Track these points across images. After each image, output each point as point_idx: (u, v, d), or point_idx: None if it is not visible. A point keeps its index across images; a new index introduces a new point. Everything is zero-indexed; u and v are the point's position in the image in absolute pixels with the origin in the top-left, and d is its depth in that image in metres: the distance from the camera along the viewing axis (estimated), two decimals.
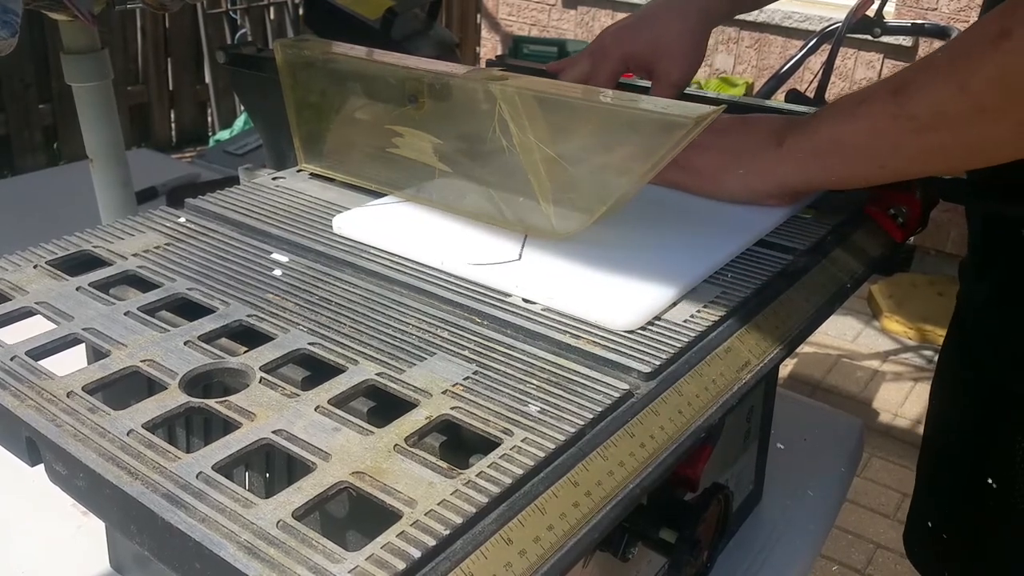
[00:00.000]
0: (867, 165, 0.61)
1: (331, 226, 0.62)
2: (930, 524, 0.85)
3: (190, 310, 0.52)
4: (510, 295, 0.54)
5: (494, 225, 0.62)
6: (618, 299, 0.52)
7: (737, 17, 3.30)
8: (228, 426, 0.41)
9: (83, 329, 0.48)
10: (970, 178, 0.76)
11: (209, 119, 3.94)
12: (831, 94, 2.02)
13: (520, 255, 0.58)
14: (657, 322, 0.51)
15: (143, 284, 0.55)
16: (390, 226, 0.62)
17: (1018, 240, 0.72)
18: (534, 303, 0.53)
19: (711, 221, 0.64)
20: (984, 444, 0.76)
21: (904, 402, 2.43)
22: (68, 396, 0.42)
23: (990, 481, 0.75)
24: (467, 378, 0.45)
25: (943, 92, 0.55)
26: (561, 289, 0.53)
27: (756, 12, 3.27)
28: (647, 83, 0.81)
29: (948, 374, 0.84)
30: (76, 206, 1.12)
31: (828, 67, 1.94)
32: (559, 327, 0.50)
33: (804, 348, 2.56)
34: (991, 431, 0.75)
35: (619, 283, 0.54)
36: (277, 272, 0.56)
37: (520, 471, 0.38)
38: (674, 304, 0.53)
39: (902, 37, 2.90)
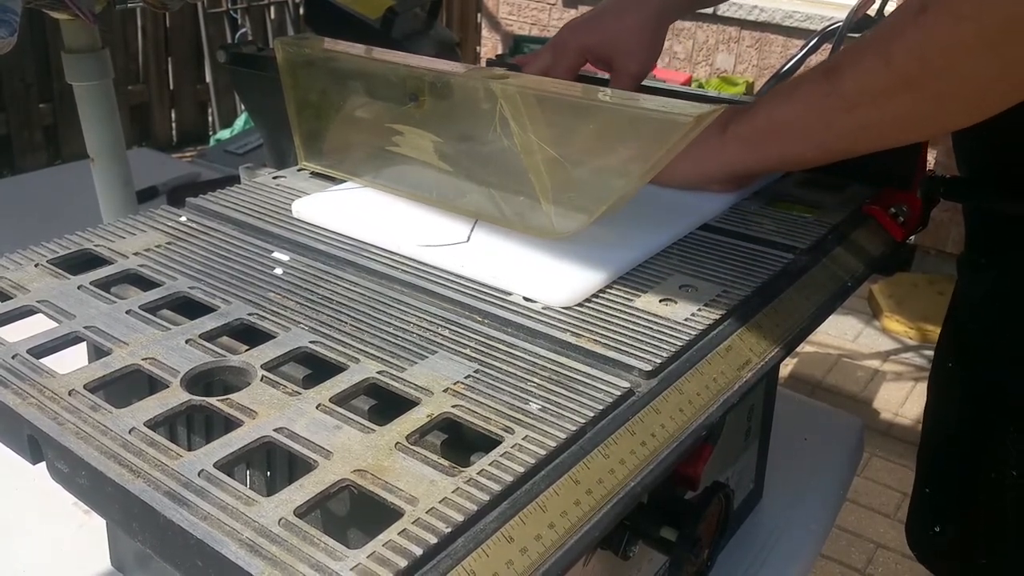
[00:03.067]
0: (804, 145, 0.63)
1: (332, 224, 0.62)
2: (928, 517, 0.85)
3: (191, 309, 0.52)
4: (511, 294, 0.54)
5: (450, 213, 0.64)
6: (557, 278, 0.55)
7: (738, 16, 3.30)
8: (229, 424, 0.41)
9: (84, 327, 0.48)
10: (969, 175, 0.76)
11: (210, 118, 3.94)
12: None
13: (469, 238, 0.60)
14: (654, 319, 0.51)
15: (144, 283, 0.55)
16: (347, 210, 0.64)
17: (1016, 237, 0.72)
18: (534, 301, 0.53)
19: (657, 206, 0.65)
20: (978, 438, 0.77)
21: (904, 402, 2.43)
22: (70, 394, 0.42)
23: (984, 474, 0.75)
24: (468, 376, 0.45)
25: (869, 68, 0.57)
26: (504, 269, 0.56)
27: (757, 11, 3.27)
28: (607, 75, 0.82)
29: (943, 369, 0.84)
30: (77, 205, 1.12)
31: None
32: (560, 326, 0.50)
33: (804, 348, 2.56)
34: (984, 425, 0.76)
35: (560, 264, 0.57)
36: (278, 271, 0.56)
37: (521, 469, 0.38)
38: (611, 284, 0.55)
39: None
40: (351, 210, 0.64)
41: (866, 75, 0.57)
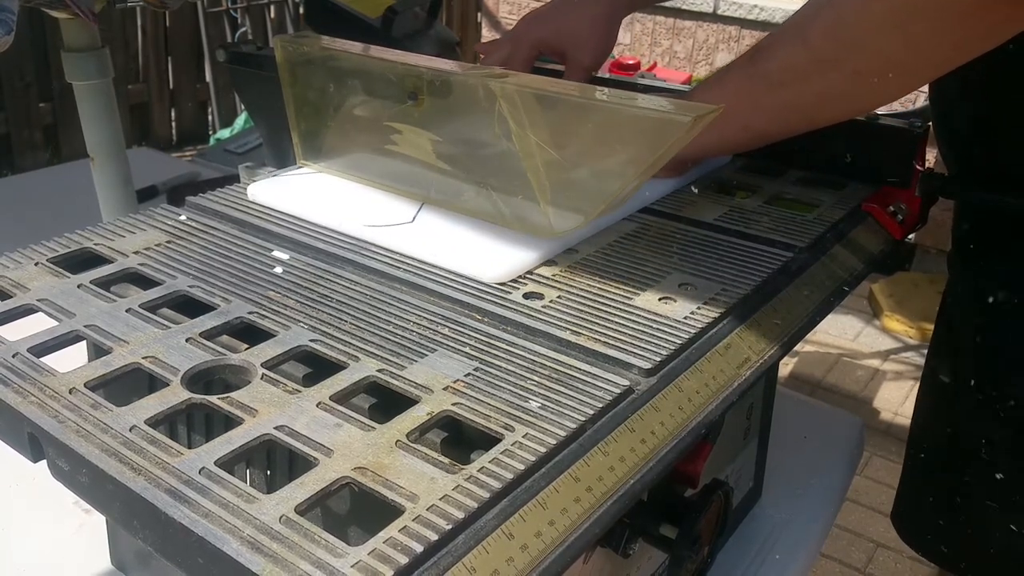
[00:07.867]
0: (733, 128, 0.64)
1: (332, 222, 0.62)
2: (918, 506, 0.86)
3: (191, 307, 0.52)
4: (511, 292, 0.54)
5: (399, 196, 0.66)
6: (492, 257, 0.57)
7: (738, 16, 3.30)
8: (230, 422, 0.41)
9: (85, 326, 0.48)
10: (960, 169, 0.76)
11: (209, 118, 3.94)
12: None
13: (414, 219, 0.63)
14: (653, 317, 0.51)
15: (144, 281, 0.55)
16: (300, 193, 0.67)
17: (1002, 233, 0.73)
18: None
19: None
20: (965, 432, 0.77)
21: (904, 401, 2.43)
22: (70, 393, 0.42)
23: (972, 465, 0.76)
24: (468, 374, 0.45)
25: (789, 48, 0.60)
26: (444, 248, 0.58)
27: (757, 11, 3.27)
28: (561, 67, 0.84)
29: (934, 361, 0.84)
30: (77, 204, 1.12)
31: None
32: (560, 324, 0.50)
33: (804, 347, 2.56)
34: (972, 419, 0.76)
35: (497, 244, 0.59)
36: (278, 269, 0.57)
37: (521, 466, 0.38)
38: (544, 263, 0.58)
39: None
40: (304, 193, 0.67)
41: (787, 56, 0.60)
